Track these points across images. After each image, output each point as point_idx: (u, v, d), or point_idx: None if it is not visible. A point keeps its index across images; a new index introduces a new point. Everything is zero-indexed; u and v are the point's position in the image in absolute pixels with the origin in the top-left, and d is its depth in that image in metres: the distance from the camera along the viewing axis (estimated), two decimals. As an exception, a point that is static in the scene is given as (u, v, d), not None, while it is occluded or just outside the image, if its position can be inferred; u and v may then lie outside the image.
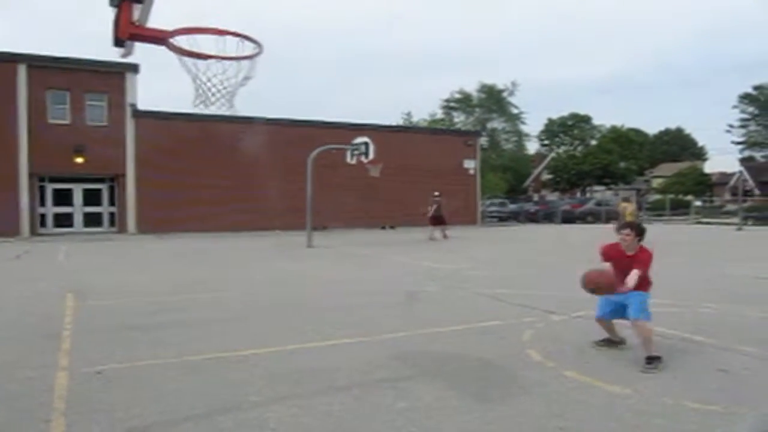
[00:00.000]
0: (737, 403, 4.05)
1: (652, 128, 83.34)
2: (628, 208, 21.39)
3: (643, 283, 5.24)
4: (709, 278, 10.88)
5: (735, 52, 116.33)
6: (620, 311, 5.32)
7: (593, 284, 5.24)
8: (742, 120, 73.74)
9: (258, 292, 9.64)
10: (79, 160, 25.59)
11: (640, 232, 5.38)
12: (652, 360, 4.95)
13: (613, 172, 58.28)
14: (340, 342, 5.94)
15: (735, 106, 74.06)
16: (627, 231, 5.35)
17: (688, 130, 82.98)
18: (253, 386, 4.52)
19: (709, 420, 3.78)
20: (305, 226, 19.34)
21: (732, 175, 46.93)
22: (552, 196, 58.03)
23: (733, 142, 74.33)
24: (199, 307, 8.11)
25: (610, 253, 5.47)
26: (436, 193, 24.63)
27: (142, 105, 27.11)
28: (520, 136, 69.13)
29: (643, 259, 5.23)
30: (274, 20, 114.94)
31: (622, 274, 5.17)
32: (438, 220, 23.36)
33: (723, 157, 34.19)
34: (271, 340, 6.01)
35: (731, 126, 74.30)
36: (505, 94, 65.42)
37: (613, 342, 5.61)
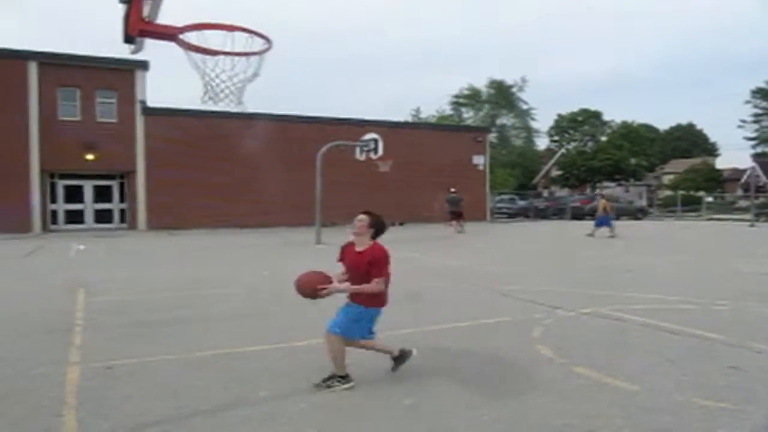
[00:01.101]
0: (748, 401, 4.02)
1: (663, 124, 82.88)
2: (601, 205, 21.56)
3: (370, 299, 4.45)
4: (721, 275, 10.81)
5: (747, 47, 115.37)
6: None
7: (303, 291, 4.53)
8: (755, 115, 72.99)
9: (266, 288, 9.65)
10: (90, 156, 25.72)
11: (376, 225, 4.54)
12: (331, 378, 4.41)
13: (624, 169, 57.98)
14: (349, 338, 5.94)
15: (747, 101, 73.26)
16: (361, 217, 4.51)
17: (699, 126, 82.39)
18: (262, 382, 4.53)
19: (718, 417, 3.75)
20: (314, 223, 19.36)
21: (744, 170, 46.54)
22: (561, 193, 57.81)
23: (745, 138, 73.70)
24: (207, 304, 8.14)
25: (344, 252, 4.64)
26: (452, 189, 25.16)
27: (150, 104, 27.20)
28: (530, 132, 68.92)
29: (375, 259, 4.37)
30: (282, 18, 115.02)
31: (355, 275, 4.45)
32: (456, 215, 24.30)
33: (735, 153, 33.89)
34: (277, 337, 6.02)
35: (743, 121, 73.62)
36: (514, 90, 65.23)
37: (399, 358, 4.72)
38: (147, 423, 3.75)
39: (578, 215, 36.26)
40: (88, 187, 26.92)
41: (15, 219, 23.80)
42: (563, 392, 4.25)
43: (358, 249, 4.48)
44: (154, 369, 4.91)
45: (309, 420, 3.78)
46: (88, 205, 26.96)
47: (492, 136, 51.02)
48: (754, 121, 72.70)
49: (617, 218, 36.00)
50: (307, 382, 4.53)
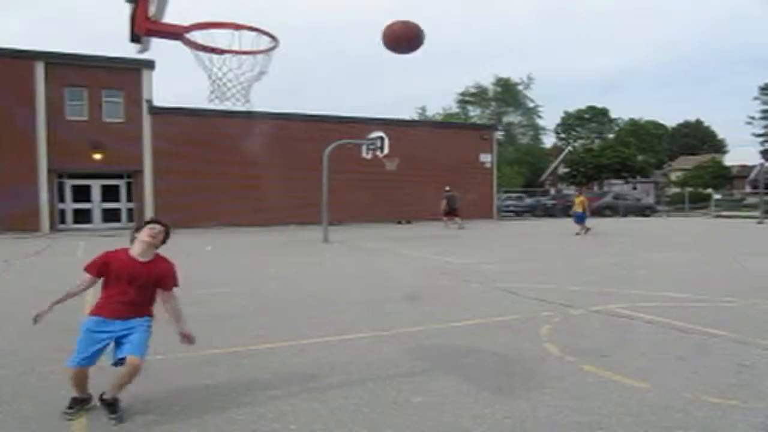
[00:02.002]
0: (757, 398, 4.00)
1: (670, 121, 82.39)
2: (578, 201, 21.63)
3: (149, 305, 4.14)
4: (729, 272, 10.76)
5: (756, 43, 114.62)
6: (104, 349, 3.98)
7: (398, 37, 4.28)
8: (763, 111, 72.56)
9: (273, 287, 9.68)
10: (97, 156, 25.85)
11: (167, 236, 4.21)
12: (115, 403, 3.87)
13: (631, 166, 57.75)
14: (355, 336, 5.95)
15: (756, 98, 72.86)
16: (157, 227, 4.11)
17: (707, 123, 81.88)
18: (269, 380, 4.54)
19: (728, 415, 3.73)
20: (321, 221, 19.39)
21: (753, 167, 46.27)
22: (569, 190, 57.64)
23: (753, 135, 73.25)
24: (214, 302, 8.16)
25: (115, 260, 4.00)
26: (447, 188, 25.80)
27: (156, 103, 27.27)
28: (537, 129, 68.84)
29: (170, 271, 4.14)
30: (284, 15, 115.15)
31: (136, 288, 3.96)
32: (450, 213, 25.35)
33: (743, 150, 33.69)
34: (286, 335, 6.03)
35: (752, 118, 73.20)
36: (520, 88, 65.14)
37: (83, 401, 3.99)
38: (155, 421, 3.77)
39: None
40: (95, 187, 27.05)
41: (23, 218, 23.96)
42: (572, 390, 4.24)
43: (142, 259, 4.01)
44: (162, 367, 4.93)
45: (318, 418, 3.78)
46: (96, 205, 27.09)
47: (499, 134, 50.92)
48: (763, 118, 72.29)
49: (625, 215, 36.03)
50: (316, 380, 4.54)
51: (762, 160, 35.20)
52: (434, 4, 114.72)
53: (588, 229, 20.55)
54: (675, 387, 4.26)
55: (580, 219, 20.87)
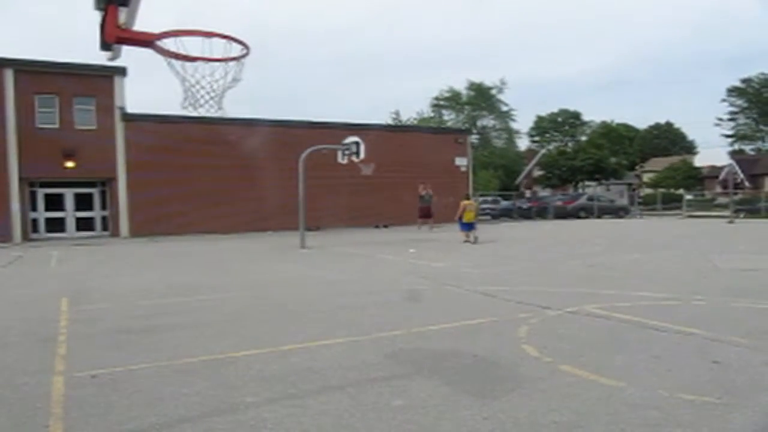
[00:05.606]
0: (730, 394, 4.09)
1: (641, 123, 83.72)
2: (462, 206, 21.27)
3: None
4: (701, 271, 10.95)
5: (723, 46, 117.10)
6: None
7: None
8: (731, 113, 74.26)
9: (251, 293, 9.62)
10: (70, 164, 25.48)
11: None
12: None
13: (605, 168, 58.54)
14: (335, 341, 5.94)
15: (724, 100, 74.55)
16: None
17: (677, 125, 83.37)
18: (249, 387, 4.52)
19: (703, 411, 3.81)
20: (298, 227, 19.33)
21: (722, 168, 47.17)
22: (544, 193, 58.21)
23: (722, 135, 74.83)
24: (193, 310, 8.10)
25: None
26: (420, 190, 26.76)
27: (130, 109, 27.00)
28: (511, 133, 69.41)
29: None
30: (259, 20, 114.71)
31: None
32: (424, 215, 26.37)
33: (713, 151, 34.39)
34: (265, 341, 6.01)
35: (720, 119, 74.84)
36: (494, 92, 65.64)
37: None
38: (133, 430, 3.73)
39: (561, 215, 36.57)
40: (69, 195, 26.65)
41: (-6, 228, 23.54)
42: (550, 390, 4.29)
43: None
44: (140, 377, 4.88)
45: (297, 424, 3.77)
46: (70, 213, 26.69)
47: (473, 138, 51.26)
48: (731, 119, 73.97)
49: (599, 217, 36.46)
50: (296, 386, 4.53)
51: (731, 161, 35.99)
52: (405, 9, 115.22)
53: (468, 240, 19.22)
54: (651, 385, 4.32)
55: (468, 226, 19.52)
